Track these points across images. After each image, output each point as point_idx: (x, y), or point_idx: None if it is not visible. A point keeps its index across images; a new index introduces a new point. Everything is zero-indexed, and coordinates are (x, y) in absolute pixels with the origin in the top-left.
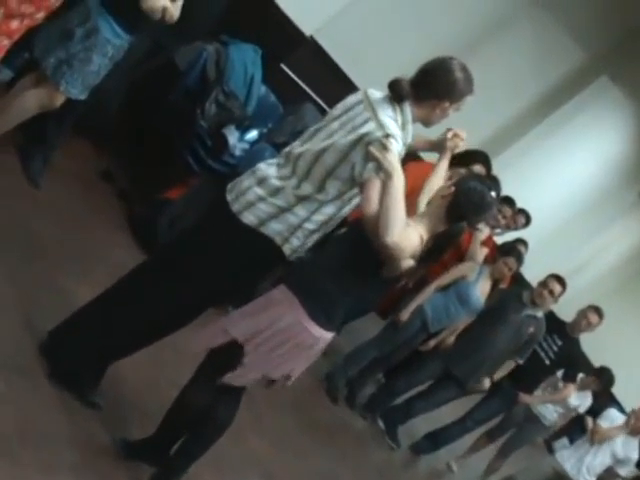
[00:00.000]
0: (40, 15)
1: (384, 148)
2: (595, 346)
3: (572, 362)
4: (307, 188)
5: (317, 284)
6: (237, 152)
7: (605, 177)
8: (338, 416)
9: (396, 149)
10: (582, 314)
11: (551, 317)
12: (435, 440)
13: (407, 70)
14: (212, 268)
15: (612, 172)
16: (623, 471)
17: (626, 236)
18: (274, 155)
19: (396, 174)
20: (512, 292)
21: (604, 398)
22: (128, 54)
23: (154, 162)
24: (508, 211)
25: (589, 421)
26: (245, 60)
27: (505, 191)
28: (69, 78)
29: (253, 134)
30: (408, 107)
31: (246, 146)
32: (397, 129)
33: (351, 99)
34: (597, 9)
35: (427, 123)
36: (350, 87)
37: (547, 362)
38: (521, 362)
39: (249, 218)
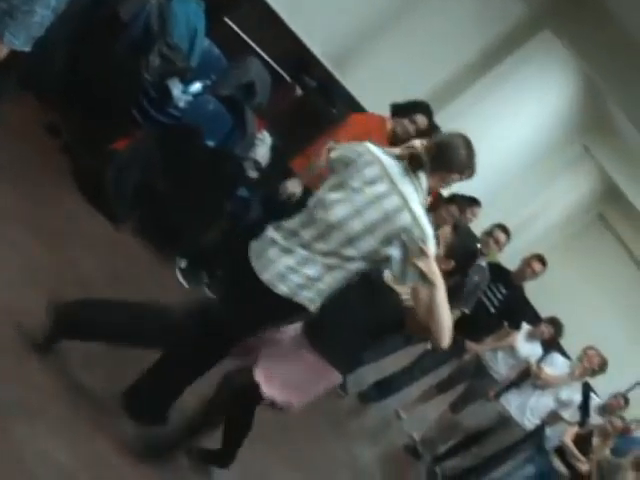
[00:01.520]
0: None
1: (424, 255)
2: (541, 296)
3: (516, 310)
4: (333, 259)
5: (345, 346)
6: (181, 104)
7: (550, 131)
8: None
9: (433, 251)
10: (526, 262)
11: (496, 266)
12: (383, 388)
13: (349, 20)
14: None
15: (557, 126)
16: (566, 414)
17: (573, 189)
18: (218, 108)
19: (438, 281)
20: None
21: (553, 348)
22: (72, 5)
23: (99, 114)
24: (455, 211)
25: (533, 365)
26: (188, 12)
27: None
28: (13, 29)
29: (197, 86)
30: (424, 177)
31: (190, 98)
32: (428, 223)
33: (369, 173)
34: None
35: (432, 190)
36: (294, 41)
37: (492, 310)
38: (467, 311)
39: (282, 289)
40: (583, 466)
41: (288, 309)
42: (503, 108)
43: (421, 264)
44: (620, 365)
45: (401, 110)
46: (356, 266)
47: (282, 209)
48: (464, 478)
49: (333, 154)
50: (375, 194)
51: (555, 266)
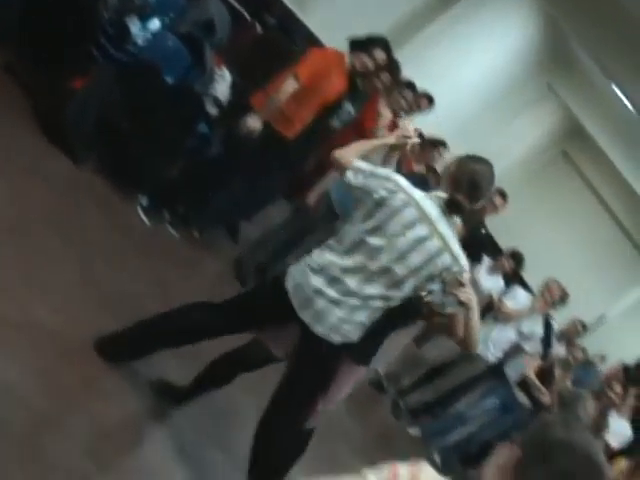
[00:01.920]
0: None
1: (461, 284)
2: (504, 231)
3: (477, 243)
4: (379, 302)
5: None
6: (139, 41)
7: (513, 68)
8: None
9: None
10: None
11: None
12: None
13: None
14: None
15: (520, 63)
16: (528, 347)
17: (536, 127)
18: (176, 45)
19: (474, 303)
20: (417, 174)
21: (514, 281)
22: None
23: (57, 53)
24: (409, 94)
25: (495, 298)
26: None
27: (424, 75)
28: None
29: (155, 24)
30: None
31: (148, 35)
32: (464, 257)
33: (407, 216)
34: None
35: None
36: None
37: None
38: None
39: (336, 339)
40: (545, 397)
41: (338, 351)
42: (464, 46)
43: (460, 294)
44: (583, 299)
45: (359, 45)
46: (399, 299)
47: (242, 146)
48: (428, 411)
49: (353, 178)
50: (416, 238)
51: (518, 202)
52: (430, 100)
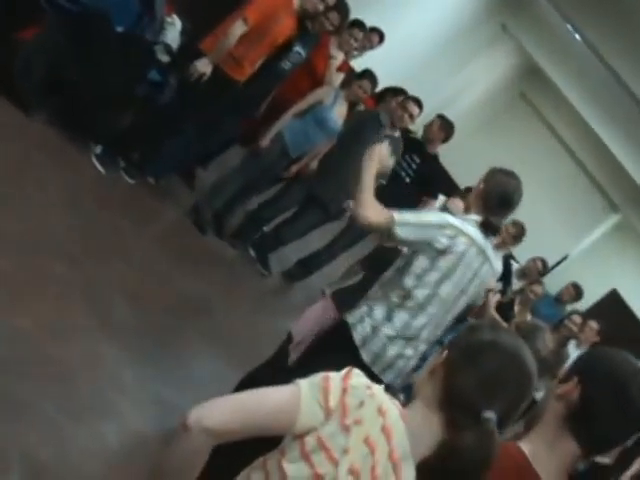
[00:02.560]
0: None
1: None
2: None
3: (432, 178)
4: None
5: None
6: None
7: (466, 9)
8: (208, 247)
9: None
10: (429, 126)
11: (407, 137)
12: (306, 266)
13: None
14: None
15: (473, 3)
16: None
17: (493, 68)
18: None
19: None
20: (370, 114)
21: None
22: None
23: (4, 4)
24: (359, 34)
25: None
26: None
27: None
28: None
29: None
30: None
31: None
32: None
33: (470, 255)
34: None
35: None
36: None
37: (407, 180)
38: (383, 182)
39: (389, 377)
40: None
41: None
42: None
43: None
44: (547, 240)
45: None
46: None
47: (194, 92)
48: None
49: (404, 234)
50: (474, 271)
51: (477, 144)
52: (381, 36)
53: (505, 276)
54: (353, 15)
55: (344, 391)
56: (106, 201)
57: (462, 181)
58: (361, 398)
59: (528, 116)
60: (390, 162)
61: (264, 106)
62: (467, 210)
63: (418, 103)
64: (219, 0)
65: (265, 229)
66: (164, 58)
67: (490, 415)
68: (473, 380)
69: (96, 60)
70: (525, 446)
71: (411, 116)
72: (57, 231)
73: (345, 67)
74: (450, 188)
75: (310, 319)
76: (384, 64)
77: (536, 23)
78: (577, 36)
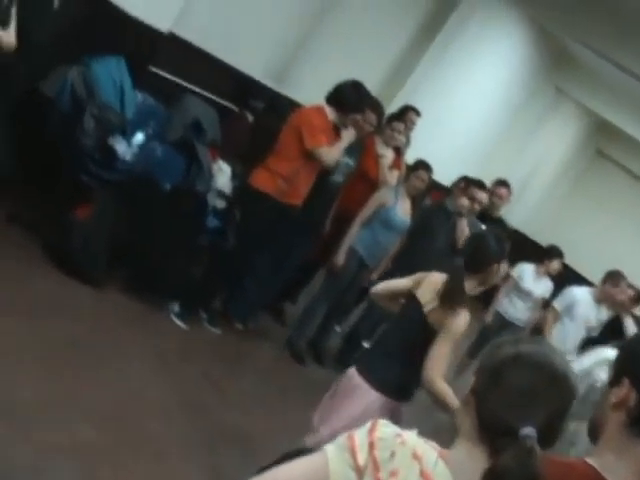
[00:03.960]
0: None
1: None
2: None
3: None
4: None
5: None
6: (128, 157)
7: (517, 82)
8: (311, 376)
9: None
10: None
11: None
12: None
13: (277, 35)
14: None
15: (522, 75)
16: None
17: (560, 134)
18: (166, 153)
19: None
20: (436, 205)
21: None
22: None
23: (53, 190)
24: (399, 125)
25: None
26: (110, 71)
27: (426, 117)
28: None
29: (139, 137)
30: None
31: (135, 150)
32: None
33: None
34: None
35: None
36: (221, 67)
37: None
38: None
39: None
40: None
41: None
42: (462, 73)
43: None
44: None
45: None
46: None
47: (257, 228)
48: None
49: None
50: None
51: (571, 212)
52: (416, 112)
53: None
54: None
55: (371, 445)
56: (195, 355)
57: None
58: (391, 448)
59: (609, 170)
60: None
61: (329, 222)
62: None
63: (505, 184)
64: (267, 138)
65: (365, 345)
66: (220, 204)
67: (527, 431)
68: (502, 400)
69: (152, 221)
70: (594, 460)
71: (500, 197)
72: (149, 392)
73: (398, 163)
74: (539, 254)
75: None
76: (454, 156)
77: (587, 77)
78: (632, 78)
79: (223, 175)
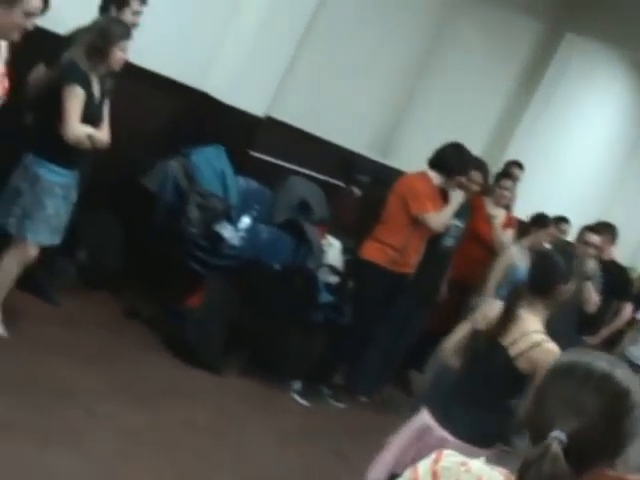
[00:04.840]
0: None
1: None
2: None
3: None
4: None
5: None
6: (236, 242)
7: (626, 121)
8: None
9: None
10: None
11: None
12: None
13: (376, 107)
14: None
15: (631, 113)
16: None
17: None
18: (274, 235)
19: None
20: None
21: None
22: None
23: (166, 282)
24: (507, 182)
25: None
26: (210, 160)
27: (537, 171)
28: (32, 228)
29: (245, 221)
30: None
31: (243, 234)
32: None
33: None
34: None
35: None
36: (323, 145)
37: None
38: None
39: None
40: None
41: None
42: (569, 121)
43: None
44: None
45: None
46: None
47: (371, 300)
48: None
49: None
50: None
51: None
52: (519, 166)
53: None
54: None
55: (435, 474)
56: (320, 431)
57: None
58: (456, 477)
59: None
60: None
61: (444, 288)
62: None
63: (594, 230)
64: (376, 210)
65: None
66: (332, 279)
67: (557, 434)
68: (546, 404)
69: (265, 302)
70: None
71: (586, 243)
72: (274, 472)
73: (511, 221)
74: None
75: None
76: (571, 208)
77: None
78: None
79: (333, 250)
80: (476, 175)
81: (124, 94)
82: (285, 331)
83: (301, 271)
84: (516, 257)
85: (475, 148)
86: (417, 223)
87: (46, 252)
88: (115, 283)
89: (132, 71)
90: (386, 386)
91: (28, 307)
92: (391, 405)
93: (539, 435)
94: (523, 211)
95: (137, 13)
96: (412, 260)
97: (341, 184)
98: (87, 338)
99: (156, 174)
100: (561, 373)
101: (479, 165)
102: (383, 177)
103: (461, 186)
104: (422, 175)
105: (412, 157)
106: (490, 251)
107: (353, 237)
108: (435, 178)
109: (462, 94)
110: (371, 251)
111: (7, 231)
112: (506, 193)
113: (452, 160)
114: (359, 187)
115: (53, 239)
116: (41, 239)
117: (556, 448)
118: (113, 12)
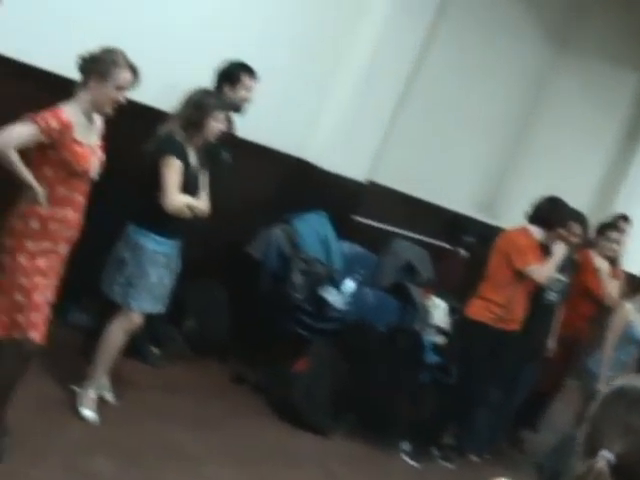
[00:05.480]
0: (62, 247)
1: None
2: None
3: None
4: None
5: None
6: (341, 306)
7: None
8: None
9: None
10: None
11: None
12: None
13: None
14: None
15: None
16: None
17: None
18: (379, 298)
19: None
20: None
21: None
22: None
23: (272, 347)
24: (612, 233)
25: None
26: (313, 226)
27: None
28: (136, 296)
29: (349, 285)
30: None
31: (347, 297)
32: None
33: None
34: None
35: None
36: (426, 207)
37: None
38: None
39: None
40: None
41: None
42: None
43: None
44: None
45: (553, 221)
46: None
47: (477, 359)
48: None
49: None
50: None
51: None
52: (626, 219)
53: None
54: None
55: None
56: None
57: None
58: None
59: None
60: None
61: (553, 343)
62: None
63: None
64: (474, 270)
65: None
66: (438, 339)
67: (604, 453)
68: (600, 423)
69: (371, 364)
70: None
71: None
72: None
73: (616, 274)
74: None
75: None
76: None
77: None
78: None
79: (439, 311)
80: (576, 227)
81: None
82: (392, 392)
83: (406, 332)
84: (632, 314)
85: (581, 202)
86: (520, 278)
87: (153, 320)
88: (221, 350)
89: (234, 142)
90: (497, 445)
91: (135, 374)
92: (503, 464)
93: (590, 456)
94: (634, 267)
95: (249, 88)
96: (518, 316)
97: (447, 245)
98: (194, 403)
99: (260, 242)
100: (613, 396)
101: (578, 217)
102: (489, 237)
103: (561, 238)
104: (523, 230)
105: (517, 215)
106: (599, 305)
107: (460, 297)
108: (535, 232)
109: (566, 148)
110: (476, 309)
111: (113, 300)
112: (612, 245)
113: (550, 213)
114: (465, 248)
115: (157, 307)
116: (145, 307)
117: (602, 466)
118: (226, 89)
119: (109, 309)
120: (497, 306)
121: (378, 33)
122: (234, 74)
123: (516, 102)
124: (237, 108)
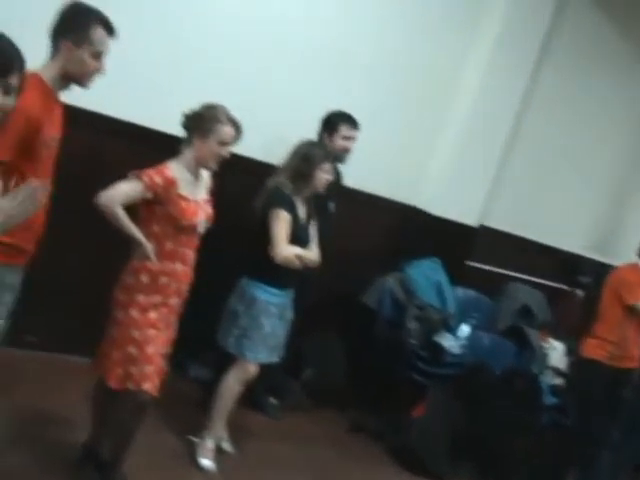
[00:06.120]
0: (173, 300)
1: None
2: None
3: None
4: None
5: None
6: (457, 350)
7: None
8: None
9: None
10: None
11: None
12: None
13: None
14: None
15: None
16: None
17: None
18: (494, 341)
19: None
20: None
21: None
22: None
23: (389, 395)
24: None
25: None
26: (426, 273)
27: None
28: (251, 347)
29: (464, 329)
30: None
31: (463, 342)
32: None
33: None
34: None
35: None
36: (540, 249)
37: None
38: None
39: None
40: None
41: None
42: None
43: None
44: None
45: None
46: None
47: (594, 400)
48: None
49: None
50: None
51: None
52: None
53: None
54: None
55: None
56: None
57: None
58: None
59: None
60: None
61: None
62: None
63: None
64: (591, 310)
65: None
66: (557, 381)
67: None
68: None
69: (488, 409)
70: None
71: None
72: None
73: None
74: None
75: None
76: None
77: None
78: None
79: (556, 353)
80: None
81: (340, 216)
82: (510, 436)
83: (523, 375)
84: None
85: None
86: (632, 314)
87: (271, 372)
88: (339, 399)
89: (343, 192)
90: None
91: (253, 424)
92: None
93: None
94: None
95: (347, 138)
96: (632, 353)
97: (563, 287)
98: (313, 453)
99: (374, 290)
100: None
101: None
102: (605, 276)
103: None
104: (633, 266)
105: (632, 253)
106: None
107: (578, 338)
108: None
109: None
110: (590, 348)
111: (229, 352)
112: None
113: None
114: (582, 289)
115: (272, 357)
116: (260, 357)
117: None
118: (325, 138)
119: (226, 361)
120: (610, 344)
121: (484, 76)
122: (333, 123)
123: (629, 139)
124: (337, 158)
